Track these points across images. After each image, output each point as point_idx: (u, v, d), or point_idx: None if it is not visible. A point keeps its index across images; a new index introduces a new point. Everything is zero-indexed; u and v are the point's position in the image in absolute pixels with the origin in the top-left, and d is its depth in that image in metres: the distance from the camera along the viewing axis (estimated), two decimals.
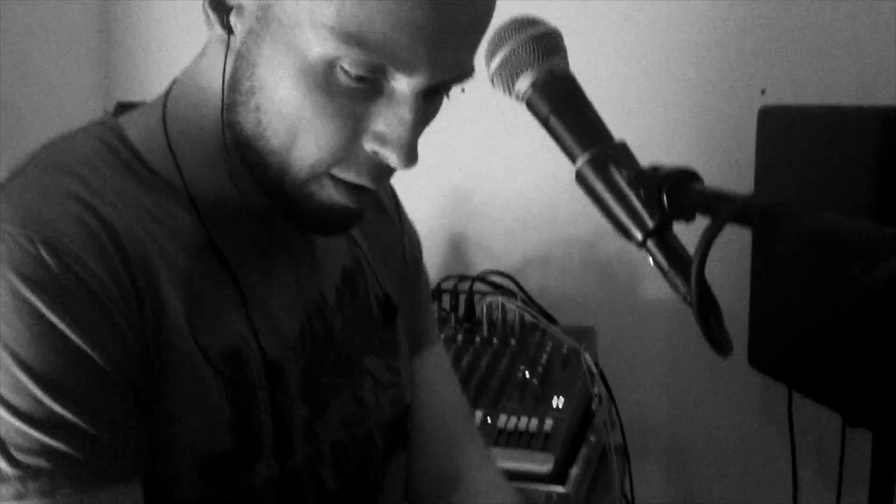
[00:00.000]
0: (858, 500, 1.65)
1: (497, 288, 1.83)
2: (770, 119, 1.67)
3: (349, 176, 0.75)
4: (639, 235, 0.67)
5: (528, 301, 1.84)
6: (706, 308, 0.66)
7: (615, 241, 1.92)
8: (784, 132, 1.64)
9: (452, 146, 1.93)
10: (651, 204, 0.66)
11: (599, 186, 0.68)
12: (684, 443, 1.95)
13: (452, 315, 1.81)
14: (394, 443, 0.94)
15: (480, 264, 1.92)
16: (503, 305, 1.76)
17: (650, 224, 0.66)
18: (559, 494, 1.38)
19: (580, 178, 0.70)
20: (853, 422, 1.55)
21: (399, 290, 1.01)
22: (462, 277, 1.81)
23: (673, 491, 1.97)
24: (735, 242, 1.67)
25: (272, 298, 0.83)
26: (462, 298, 1.80)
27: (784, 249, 1.60)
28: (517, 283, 1.82)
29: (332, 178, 0.75)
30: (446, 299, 1.82)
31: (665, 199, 0.66)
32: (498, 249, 1.97)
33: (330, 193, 0.76)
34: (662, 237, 0.66)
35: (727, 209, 0.62)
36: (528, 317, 1.79)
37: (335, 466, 0.85)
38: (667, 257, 0.66)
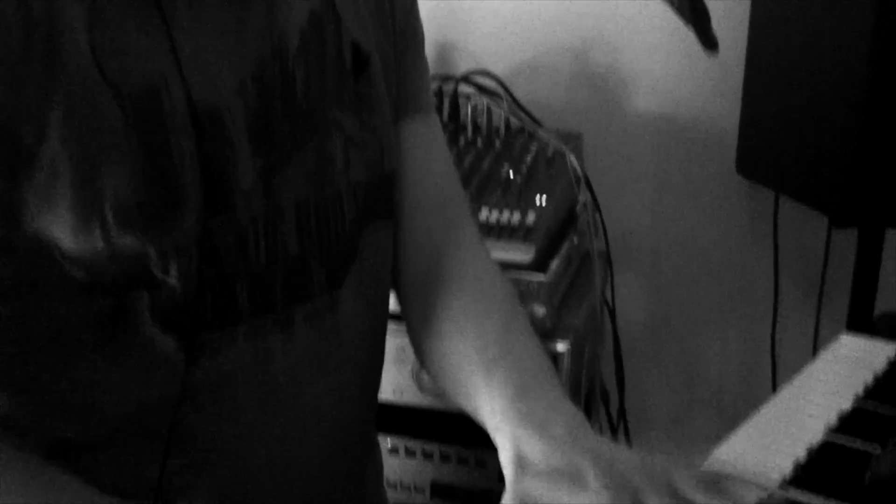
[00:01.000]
0: (839, 312, 1.65)
1: (483, 91, 1.77)
2: None
3: None
4: None
5: (515, 104, 1.79)
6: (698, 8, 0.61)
7: (607, 52, 1.87)
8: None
9: None
10: None
11: None
12: (667, 253, 1.95)
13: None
14: (371, 210, 0.88)
15: (466, 68, 1.86)
16: (489, 108, 1.72)
17: None
18: (539, 283, 1.37)
19: None
20: (839, 222, 1.53)
21: (380, 40, 0.91)
22: (446, 78, 1.75)
23: (654, 301, 1.97)
24: (730, 49, 1.63)
25: (209, 36, 0.74)
26: (446, 100, 1.75)
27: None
28: (503, 85, 1.76)
29: None
30: None
31: None
32: (485, 56, 1.91)
33: None
34: None
35: None
36: (513, 120, 1.75)
37: (298, 227, 0.79)
38: None
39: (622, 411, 1.83)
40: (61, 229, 0.66)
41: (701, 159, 1.87)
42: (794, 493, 0.75)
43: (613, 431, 1.83)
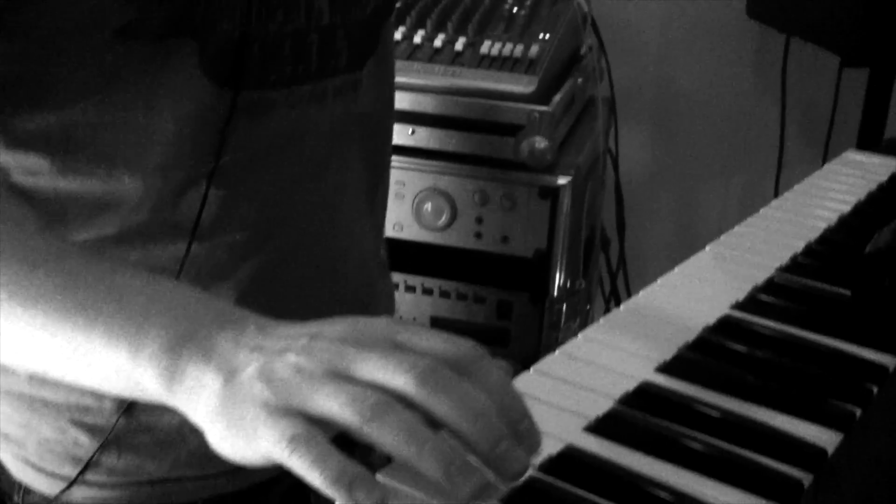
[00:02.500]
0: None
1: None
2: None
3: None
4: None
5: None
6: None
7: None
8: None
9: None
10: None
11: None
12: (673, 102, 1.91)
13: None
14: (387, 7, 0.86)
15: None
16: None
17: None
18: (541, 114, 1.35)
19: None
20: (852, 61, 1.50)
21: None
22: None
23: (657, 150, 1.95)
24: None
25: None
26: None
27: None
28: None
29: None
30: None
31: None
32: None
33: None
34: None
35: None
36: None
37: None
38: None
39: (622, 258, 1.83)
40: None
41: (711, 3, 1.82)
42: (798, 279, 0.75)
43: (613, 278, 1.84)
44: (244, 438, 0.46)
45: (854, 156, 1.02)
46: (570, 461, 0.53)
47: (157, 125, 0.68)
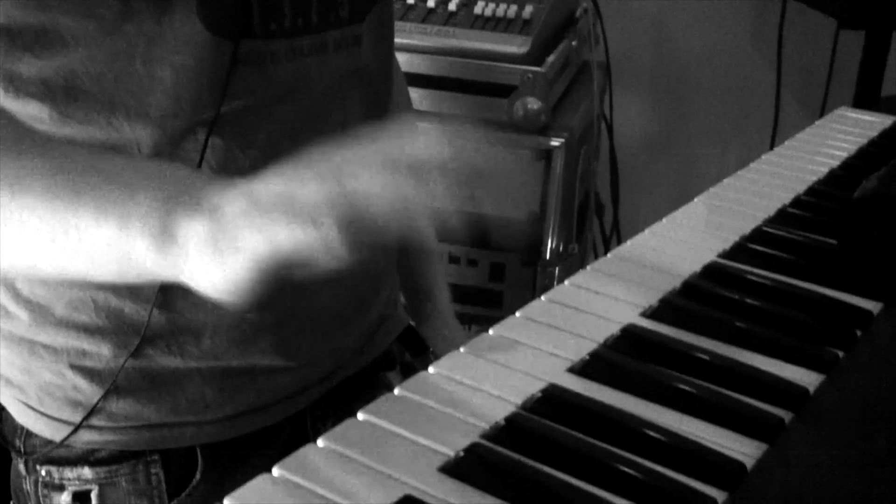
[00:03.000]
0: None
1: None
2: None
3: None
4: None
5: None
6: None
7: None
8: None
9: None
10: None
11: None
12: (670, 66, 1.91)
13: None
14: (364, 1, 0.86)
15: None
16: None
17: None
18: (535, 74, 1.34)
19: None
20: (848, 23, 1.50)
21: None
22: None
23: (653, 116, 1.94)
24: None
25: None
26: None
27: None
28: None
29: None
30: None
31: None
32: None
33: None
34: None
35: None
36: None
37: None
38: None
39: (616, 225, 1.83)
40: None
41: None
42: (786, 229, 0.75)
43: (606, 244, 1.83)
44: (231, 254, 0.49)
45: (847, 113, 1.01)
46: (552, 400, 0.53)
47: (157, 75, 0.68)
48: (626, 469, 0.47)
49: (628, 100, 1.90)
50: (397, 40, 0.93)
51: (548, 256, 1.44)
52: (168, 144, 0.70)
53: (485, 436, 0.50)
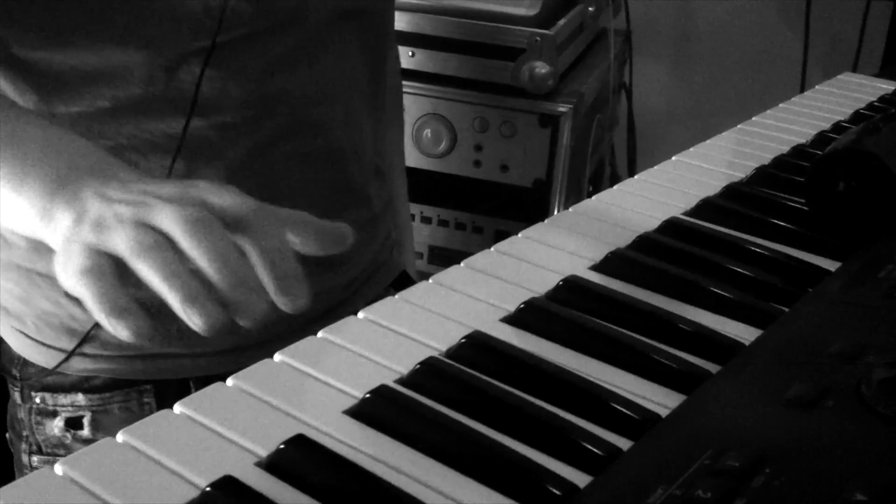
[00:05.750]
0: None
1: None
2: None
3: None
4: None
5: None
6: None
7: None
8: None
9: None
10: None
11: None
12: (693, 35, 1.86)
13: None
14: None
15: None
16: None
17: None
18: (543, 37, 1.32)
19: None
20: None
21: None
22: None
23: (675, 87, 1.90)
24: None
25: None
26: None
27: None
28: None
29: None
30: None
31: None
32: None
33: None
34: None
35: None
36: None
37: None
38: None
39: None
40: None
41: None
42: (757, 189, 0.72)
43: None
44: (62, 266, 0.50)
45: (848, 77, 0.98)
46: (474, 347, 0.51)
47: (140, 33, 0.69)
48: (533, 415, 0.45)
49: (649, 68, 1.86)
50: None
51: None
52: (162, 71, 0.70)
53: (397, 380, 0.49)
